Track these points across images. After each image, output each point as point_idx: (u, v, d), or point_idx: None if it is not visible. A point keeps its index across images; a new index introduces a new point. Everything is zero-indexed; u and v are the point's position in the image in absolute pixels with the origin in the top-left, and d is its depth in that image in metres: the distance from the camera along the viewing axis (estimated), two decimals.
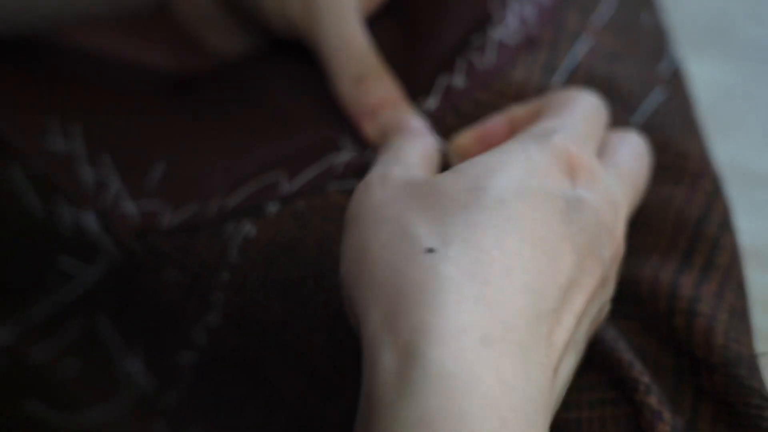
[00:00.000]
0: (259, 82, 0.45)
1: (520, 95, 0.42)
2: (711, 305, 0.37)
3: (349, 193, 0.40)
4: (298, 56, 0.46)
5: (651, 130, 0.42)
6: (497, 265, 0.30)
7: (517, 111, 0.40)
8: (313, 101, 0.44)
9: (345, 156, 0.41)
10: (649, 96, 0.44)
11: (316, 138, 0.42)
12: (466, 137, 0.40)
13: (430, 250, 0.31)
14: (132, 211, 0.41)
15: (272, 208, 0.40)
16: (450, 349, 0.28)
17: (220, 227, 0.40)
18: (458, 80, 0.42)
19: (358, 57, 0.41)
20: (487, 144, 0.40)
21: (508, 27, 0.43)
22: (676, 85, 0.45)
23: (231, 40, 0.47)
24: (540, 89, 0.42)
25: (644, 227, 0.40)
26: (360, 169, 0.40)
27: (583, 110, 0.37)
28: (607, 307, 0.36)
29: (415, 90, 0.43)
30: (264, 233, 0.39)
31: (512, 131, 0.39)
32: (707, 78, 0.51)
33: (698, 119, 0.44)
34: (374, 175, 0.34)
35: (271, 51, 0.47)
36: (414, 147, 0.38)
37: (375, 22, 0.45)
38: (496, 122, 0.40)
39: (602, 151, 0.38)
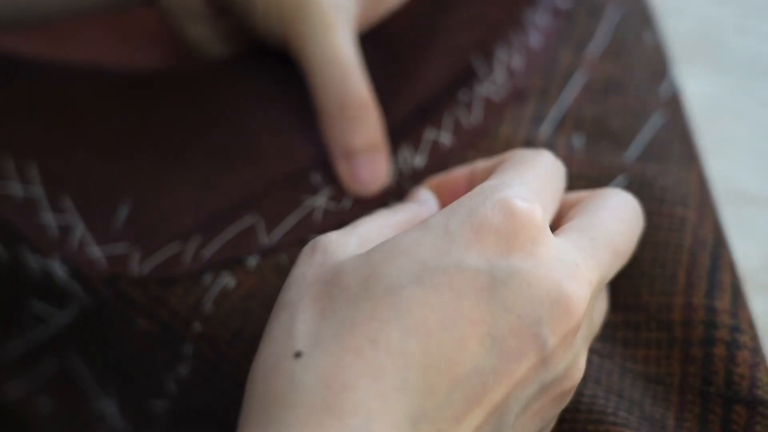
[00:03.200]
0: (230, 96, 0.44)
1: (508, 149, 0.41)
2: (750, 336, 0.36)
3: None
4: (279, 68, 0.44)
5: (645, 163, 0.41)
6: (364, 366, 0.28)
7: (479, 165, 0.37)
8: (284, 123, 0.42)
9: (321, 201, 0.40)
10: (646, 125, 0.43)
11: (285, 171, 0.41)
12: (426, 188, 0.38)
13: (297, 354, 0.29)
14: (98, 257, 0.40)
15: (252, 260, 0.39)
16: None
17: (197, 278, 0.39)
18: (445, 138, 0.41)
19: (345, 79, 0.39)
20: (443, 196, 0.38)
21: (496, 82, 0.42)
22: (675, 107, 0.44)
23: (212, 36, 0.45)
24: (527, 142, 0.41)
25: (665, 245, 0.39)
26: (339, 220, 0.39)
27: (541, 168, 0.34)
28: (571, 381, 0.32)
29: (397, 135, 0.42)
30: (243, 286, 0.38)
31: (471, 184, 0.37)
32: (696, 92, 0.50)
33: (696, 143, 0.43)
34: (314, 242, 0.32)
35: (250, 58, 0.46)
36: (396, 216, 0.36)
37: (363, 43, 0.44)
38: (456, 174, 0.38)
39: (580, 213, 0.35)
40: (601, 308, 0.36)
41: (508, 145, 0.41)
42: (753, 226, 0.44)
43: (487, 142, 0.42)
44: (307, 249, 0.32)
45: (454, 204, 0.31)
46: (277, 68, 0.44)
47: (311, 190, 0.40)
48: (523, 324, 0.29)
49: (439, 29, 0.45)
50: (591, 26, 0.45)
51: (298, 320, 0.29)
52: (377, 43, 0.45)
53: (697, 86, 0.50)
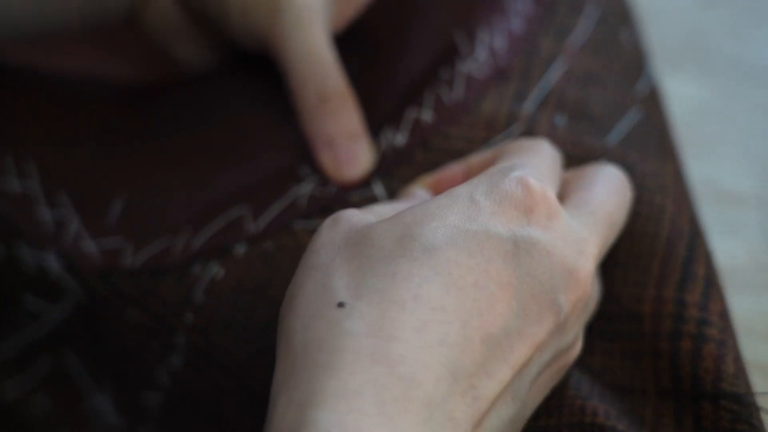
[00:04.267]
0: (219, 100, 0.44)
1: (490, 125, 0.41)
2: (719, 328, 0.36)
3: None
4: (263, 71, 0.45)
5: (626, 149, 0.42)
6: (409, 319, 0.29)
7: (474, 159, 0.39)
8: (273, 121, 0.43)
9: (307, 188, 0.40)
10: (625, 116, 0.43)
11: (276, 165, 0.41)
12: (421, 185, 0.39)
13: (341, 305, 0.30)
14: (93, 250, 0.40)
15: (240, 248, 0.39)
16: (338, 414, 0.27)
17: (187, 269, 0.39)
18: (426, 115, 0.41)
19: (322, 74, 0.40)
20: (441, 191, 0.38)
21: (477, 60, 0.42)
22: (653, 104, 0.45)
23: (197, 50, 0.46)
24: (510, 117, 0.41)
25: (641, 235, 0.39)
26: (324, 205, 0.40)
27: (541, 152, 0.36)
28: (574, 352, 0.34)
29: (380, 120, 0.42)
30: (232, 275, 0.39)
31: (468, 179, 0.38)
32: (684, 95, 0.50)
33: (673, 139, 0.44)
34: (330, 218, 0.34)
35: (236, 64, 0.47)
36: (402, 205, 0.37)
37: (338, 46, 0.45)
38: (452, 170, 0.39)
39: (575, 188, 0.37)
40: (594, 293, 0.37)
41: (491, 121, 0.41)
42: (741, 225, 0.45)
43: (469, 118, 0.42)
44: (328, 221, 0.33)
45: (474, 179, 0.33)
46: (262, 69, 0.45)
47: (298, 180, 0.41)
48: (543, 290, 0.31)
49: (418, 15, 0.45)
50: (571, 20, 0.45)
51: (334, 276, 0.31)
52: (358, 32, 0.46)
53: (686, 89, 0.51)
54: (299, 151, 0.42)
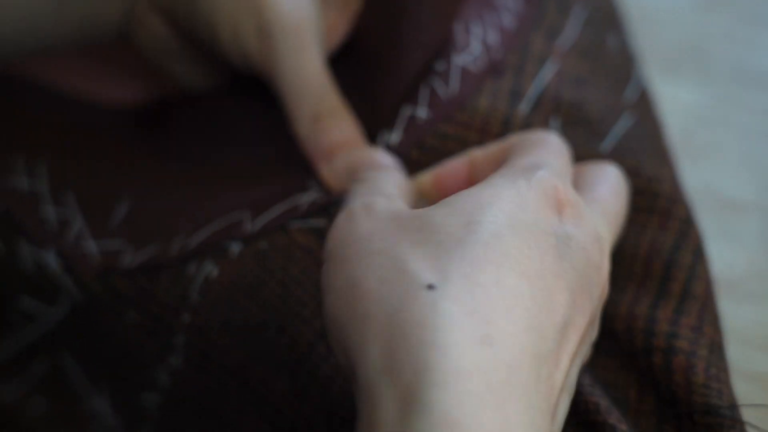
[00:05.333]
0: (224, 120, 0.44)
1: (485, 126, 0.41)
2: (690, 340, 0.37)
3: (311, 231, 0.39)
4: (262, 87, 0.45)
5: (621, 155, 0.42)
6: (499, 303, 0.29)
7: (477, 153, 0.39)
8: (279, 142, 0.43)
9: (310, 196, 0.40)
10: (619, 121, 0.43)
11: (284, 181, 0.41)
12: (424, 179, 0.39)
13: (431, 287, 0.29)
14: (93, 251, 0.40)
15: (234, 248, 0.39)
16: (454, 394, 0.27)
17: (182, 268, 0.39)
18: (421, 112, 0.41)
19: (315, 95, 0.40)
20: (445, 187, 0.39)
21: (472, 53, 0.42)
22: (644, 108, 0.45)
23: (193, 70, 0.46)
24: (506, 118, 0.41)
25: (618, 257, 0.40)
26: (324, 208, 0.40)
27: (554, 148, 0.36)
28: (591, 348, 0.35)
29: (377, 123, 0.42)
30: (226, 274, 0.39)
31: (472, 174, 0.38)
32: (682, 101, 0.50)
33: (667, 143, 0.44)
34: (357, 204, 0.33)
35: (238, 82, 0.47)
36: (389, 179, 0.37)
37: (337, 61, 0.44)
38: (455, 165, 0.39)
39: (580, 187, 0.37)
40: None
41: (487, 121, 0.41)
42: (740, 233, 0.45)
43: (464, 115, 0.42)
44: (343, 215, 0.33)
45: (504, 172, 0.34)
46: (263, 86, 0.45)
47: (304, 190, 0.41)
48: (584, 283, 0.32)
49: (408, 14, 0.45)
50: (560, 20, 0.45)
51: (409, 261, 0.30)
52: (353, 48, 0.45)
53: (685, 94, 0.51)
54: (307, 168, 0.41)
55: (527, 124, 0.41)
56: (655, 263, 0.39)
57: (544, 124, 0.42)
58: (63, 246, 0.40)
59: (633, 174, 0.41)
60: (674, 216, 0.40)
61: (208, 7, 0.41)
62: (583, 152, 0.41)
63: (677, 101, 0.50)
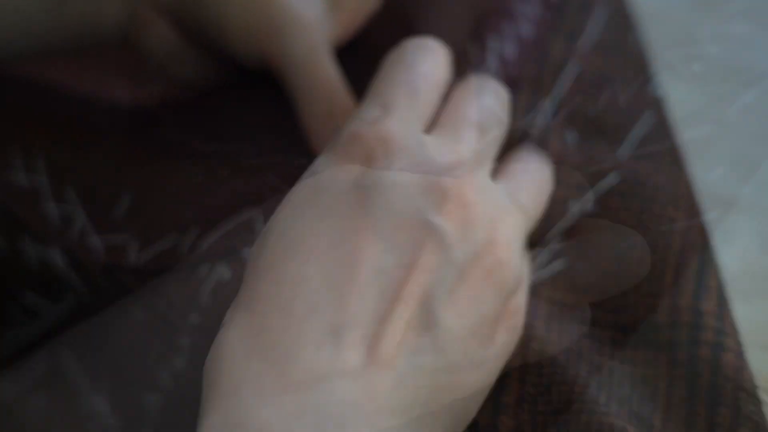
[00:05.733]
0: (227, 114, 0.44)
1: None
2: (735, 340, 0.37)
3: None
4: (268, 83, 0.45)
5: (638, 161, 0.42)
6: (276, 301, 0.31)
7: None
8: (284, 137, 0.43)
9: None
10: (637, 124, 0.43)
11: (291, 180, 0.41)
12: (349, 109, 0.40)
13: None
14: (98, 246, 0.40)
15: (247, 252, 0.39)
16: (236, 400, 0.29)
17: (194, 269, 0.39)
18: None
19: (328, 92, 0.41)
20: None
21: (488, 69, 0.42)
22: (661, 109, 0.45)
23: (195, 69, 0.46)
24: (522, 134, 0.42)
25: (652, 248, 0.40)
26: None
27: (411, 87, 0.36)
28: (490, 258, 0.33)
29: None
30: (238, 278, 0.39)
31: None
32: (676, 99, 0.51)
33: (680, 145, 0.44)
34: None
35: (239, 78, 0.47)
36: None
37: (342, 58, 0.45)
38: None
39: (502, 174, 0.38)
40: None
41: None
42: (733, 231, 0.45)
43: None
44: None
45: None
46: (269, 82, 0.45)
47: None
48: (405, 217, 0.32)
49: (424, 24, 0.45)
50: (581, 21, 0.46)
51: None
52: (363, 46, 0.46)
53: (678, 93, 0.51)
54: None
55: (544, 138, 0.42)
56: (691, 255, 0.39)
57: (561, 138, 0.42)
58: (67, 242, 0.40)
59: (642, 184, 0.42)
60: (696, 214, 0.41)
61: (217, 9, 0.41)
62: (600, 160, 0.42)
63: (671, 99, 0.50)
